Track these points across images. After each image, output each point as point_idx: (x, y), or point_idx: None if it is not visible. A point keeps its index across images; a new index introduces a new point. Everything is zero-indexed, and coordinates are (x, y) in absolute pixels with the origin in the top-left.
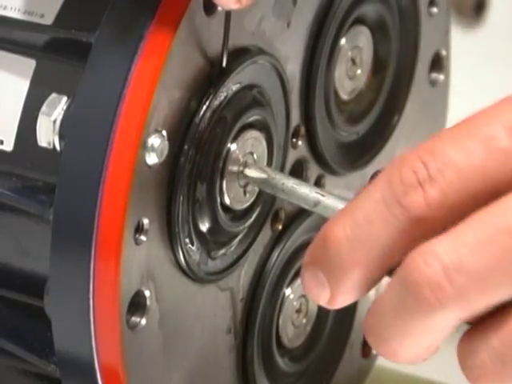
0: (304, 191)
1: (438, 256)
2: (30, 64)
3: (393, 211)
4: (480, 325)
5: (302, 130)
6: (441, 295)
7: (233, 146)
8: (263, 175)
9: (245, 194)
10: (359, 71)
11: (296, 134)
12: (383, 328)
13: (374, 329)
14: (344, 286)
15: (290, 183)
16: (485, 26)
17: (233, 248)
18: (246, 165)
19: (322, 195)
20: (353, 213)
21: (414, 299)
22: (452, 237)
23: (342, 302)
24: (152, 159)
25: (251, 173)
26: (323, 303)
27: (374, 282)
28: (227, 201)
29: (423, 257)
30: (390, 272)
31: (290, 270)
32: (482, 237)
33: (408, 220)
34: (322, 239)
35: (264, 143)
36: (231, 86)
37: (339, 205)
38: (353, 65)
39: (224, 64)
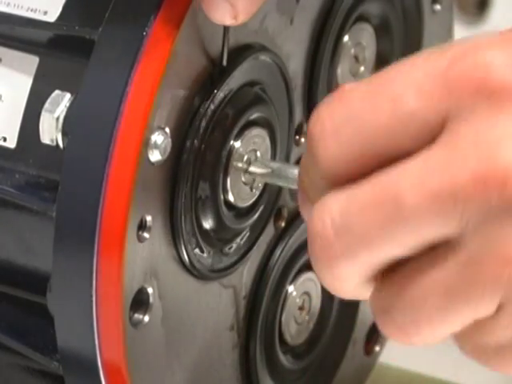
0: None
1: (329, 211)
2: (33, 61)
3: (309, 162)
4: (390, 277)
5: (305, 127)
6: (329, 250)
7: (236, 144)
8: (269, 168)
9: (250, 190)
10: (362, 68)
11: (299, 132)
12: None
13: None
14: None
15: (297, 171)
16: (488, 23)
17: (236, 245)
18: (249, 162)
19: None
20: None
21: (312, 248)
22: (346, 194)
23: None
24: (155, 156)
25: (256, 167)
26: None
27: None
28: (231, 198)
29: (319, 209)
30: None
31: (292, 268)
32: (371, 201)
33: (320, 172)
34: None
35: (267, 140)
36: (233, 84)
37: None
38: (356, 62)
39: (224, 62)
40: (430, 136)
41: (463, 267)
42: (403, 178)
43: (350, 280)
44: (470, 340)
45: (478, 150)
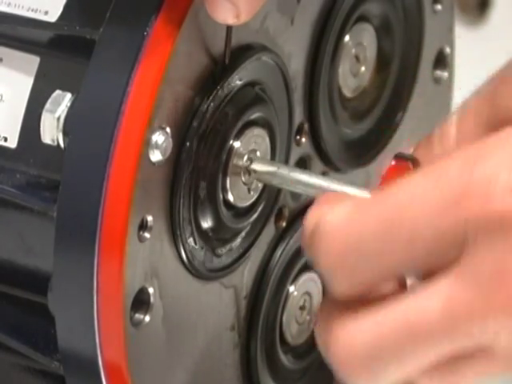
0: (312, 180)
1: (353, 342)
2: (33, 61)
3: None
4: None
5: (306, 127)
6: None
7: (236, 144)
8: (269, 168)
9: (249, 191)
10: (363, 68)
11: (300, 131)
12: None
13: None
14: None
15: (297, 173)
16: (488, 23)
17: (236, 245)
18: (249, 162)
19: (331, 183)
20: None
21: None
22: (368, 322)
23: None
24: (156, 156)
25: (257, 167)
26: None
27: None
28: (231, 198)
29: (341, 339)
30: None
31: (293, 267)
32: (398, 328)
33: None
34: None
35: (267, 140)
36: (234, 83)
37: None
38: (357, 62)
39: (227, 61)
40: (446, 266)
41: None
42: (430, 310)
43: None
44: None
45: (496, 285)
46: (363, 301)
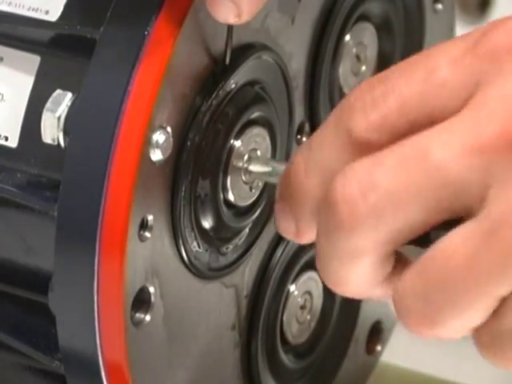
0: None
1: (355, 174)
2: (34, 60)
3: (339, 133)
4: (406, 265)
5: (307, 126)
6: (355, 211)
7: (237, 143)
8: (270, 167)
9: (250, 189)
10: (364, 68)
11: (300, 131)
12: (321, 254)
13: (317, 257)
14: (304, 212)
15: None
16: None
17: (237, 244)
18: (250, 161)
19: None
20: (310, 140)
21: (332, 216)
22: (374, 158)
23: (307, 232)
24: (156, 155)
25: (257, 166)
26: (292, 237)
27: None
28: (231, 197)
29: (342, 175)
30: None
31: (294, 267)
32: (400, 159)
33: (351, 141)
34: (285, 171)
35: (268, 139)
36: (235, 83)
37: None
38: (357, 61)
39: (228, 61)
40: (461, 104)
41: (488, 235)
42: (432, 137)
43: (369, 255)
44: (489, 329)
45: (505, 107)
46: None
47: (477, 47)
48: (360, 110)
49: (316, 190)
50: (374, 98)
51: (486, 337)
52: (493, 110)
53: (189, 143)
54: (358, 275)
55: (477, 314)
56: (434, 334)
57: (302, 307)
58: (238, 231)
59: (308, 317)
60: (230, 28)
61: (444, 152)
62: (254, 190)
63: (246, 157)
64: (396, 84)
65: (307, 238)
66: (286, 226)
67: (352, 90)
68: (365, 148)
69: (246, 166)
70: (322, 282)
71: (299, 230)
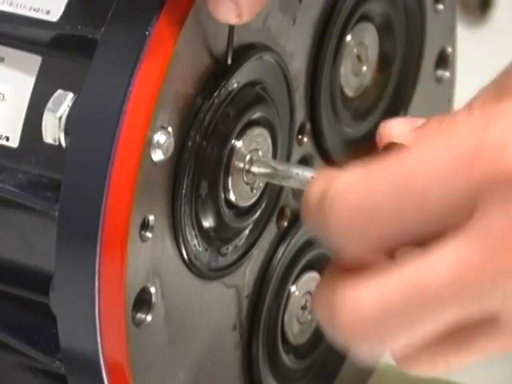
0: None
1: (364, 303)
2: (35, 60)
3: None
4: None
5: (308, 126)
6: (365, 340)
7: (238, 143)
8: (271, 168)
9: (252, 190)
10: (365, 68)
11: (301, 131)
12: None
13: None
14: None
15: (300, 171)
16: (490, 23)
17: (238, 244)
18: (251, 161)
19: None
20: None
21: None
22: (376, 285)
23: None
24: (158, 156)
25: (258, 166)
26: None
27: None
28: (233, 198)
29: (349, 302)
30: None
31: (295, 267)
32: (406, 292)
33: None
34: None
35: (269, 140)
36: (236, 83)
37: None
38: (358, 61)
39: (229, 61)
40: (455, 227)
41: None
42: (438, 273)
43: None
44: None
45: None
46: (370, 266)
47: (471, 174)
48: (337, 227)
49: None
50: (357, 216)
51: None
52: (494, 246)
53: (190, 143)
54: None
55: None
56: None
57: (303, 307)
58: (239, 231)
59: (309, 317)
60: (231, 28)
61: (453, 292)
62: (255, 191)
63: (247, 157)
64: (383, 206)
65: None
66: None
67: (332, 190)
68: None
69: (247, 166)
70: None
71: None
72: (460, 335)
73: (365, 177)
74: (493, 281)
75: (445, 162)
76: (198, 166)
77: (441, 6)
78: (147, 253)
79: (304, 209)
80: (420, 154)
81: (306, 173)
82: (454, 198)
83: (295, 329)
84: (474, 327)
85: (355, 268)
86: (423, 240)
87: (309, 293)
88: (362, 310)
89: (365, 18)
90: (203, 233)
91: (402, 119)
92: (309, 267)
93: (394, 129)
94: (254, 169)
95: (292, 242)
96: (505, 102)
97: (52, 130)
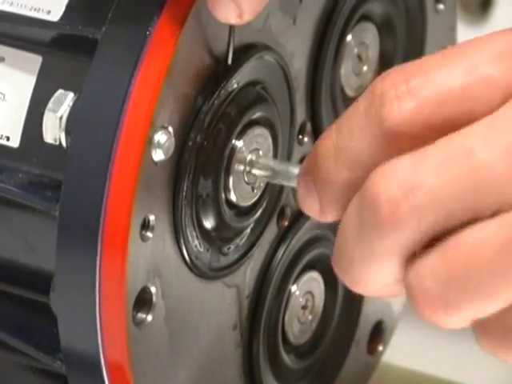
0: None
1: (396, 172)
2: (36, 60)
3: (370, 121)
4: (425, 249)
5: (308, 126)
6: (396, 211)
7: (239, 143)
8: (272, 167)
9: (252, 189)
10: (365, 68)
11: (302, 131)
12: (346, 250)
13: (338, 252)
14: (330, 194)
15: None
16: (491, 23)
17: (239, 244)
18: (252, 161)
19: None
20: (339, 123)
21: (371, 214)
22: (415, 156)
23: (330, 212)
24: (158, 156)
25: (259, 166)
26: (314, 215)
27: None
28: (233, 197)
29: (382, 172)
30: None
31: (296, 267)
32: (443, 158)
33: (383, 132)
34: (314, 150)
35: (269, 140)
36: (236, 83)
37: None
38: (359, 61)
39: (229, 61)
40: (502, 101)
41: None
42: (475, 135)
43: (400, 256)
44: (501, 320)
45: None
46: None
47: None
48: (394, 99)
49: (346, 176)
50: (410, 88)
51: (495, 327)
52: None
53: (190, 143)
54: (382, 275)
55: (495, 304)
56: (444, 320)
57: (304, 307)
58: (240, 231)
59: (309, 317)
60: (231, 28)
61: (489, 151)
62: (255, 191)
63: (248, 157)
64: (436, 75)
65: (329, 218)
66: (310, 203)
67: (382, 76)
68: (397, 139)
69: (248, 166)
70: (324, 282)
71: (323, 210)
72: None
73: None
74: None
75: (497, 41)
76: (199, 166)
77: (441, 6)
78: (148, 253)
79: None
80: (473, 40)
81: None
82: (505, 69)
83: (296, 329)
84: None
85: None
86: None
87: (309, 293)
88: (391, 177)
89: (365, 17)
90: (204, 232)
91: None
92: (309, 267)
93: None
94: (255, 169)
95: (293, 242)
96: None
97: (52, 130)
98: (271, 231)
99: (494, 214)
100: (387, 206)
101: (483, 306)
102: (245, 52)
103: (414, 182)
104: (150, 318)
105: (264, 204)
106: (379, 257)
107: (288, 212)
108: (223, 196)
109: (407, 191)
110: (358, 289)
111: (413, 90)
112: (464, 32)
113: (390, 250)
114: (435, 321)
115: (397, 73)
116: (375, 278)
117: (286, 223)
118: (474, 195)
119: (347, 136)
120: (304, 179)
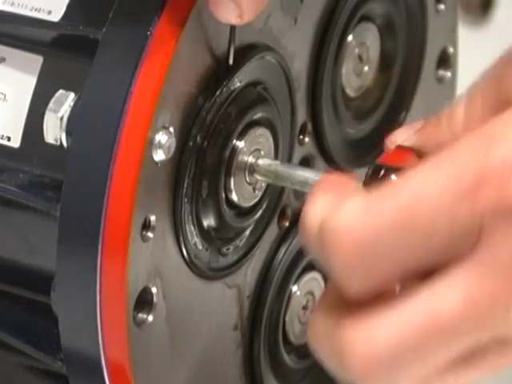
0: (316, 179)
1: (375, 343)
2: (37, 60)
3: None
4: None
5: (309, 126)
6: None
7: (240, 144)
8: (273, 167)
9: (254, 190)
10: (366, 68)
11: (303, 131)
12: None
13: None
14: None
15: (302, 172)
16: (491, 23)
17: (239, 244)
18: (253, 162)
19: None
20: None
21: (342, 366)
22: (387, 321)
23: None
24: (159, 156)
25: (261, 166)
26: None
27: None
28: (235, 198)
29: (360, 343)
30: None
31: (296, 267)
32: (419, 326)
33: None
34: None
35: (271, 140)
36: (237, 83)
37: None
38: (360, 62)
39: (230, 62)
40: (462, 255)
41: None
42: (451, 305)
43: None
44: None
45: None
46: (376, 299)
47: (474, 205)
48: (344, 270)
49: None
50: (362, 254)
51: None
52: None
53: (191, 143)
54: None
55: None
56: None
57: (305, 307)
58: (240, 232)
59: (310, 317)
60: (232, 28)
61: (469, 325)
62: (257, 191)
63: (250, 158)
64: (389, 242)
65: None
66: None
67: (333, 226)
68: (361, 299)
69: (249, 166)
70: (325, 282)
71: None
72: (470, 356)
73: (367, 210)
74: (506, 306)
75: (448, 191)
76: (200, 166)
77: (442, 6)
78: (149, 253)
79: (303, 233)
80: (422, 183)
81: (308, 174)
82: (460, 227)
83: (296, 329)
84: (483, 348)
85: (358, 301)
86: (430, 270)
87: (310, 293)
88: (376, 351)
89: (366, 18)
90: (204, 232)
91: (403, 129)
92: (310, 267)
93: (398, 139)
94: (257, 169)
95: (293, 242)
96: (506, 112)
97: (53, 130)
98: (272, 232)
99: None
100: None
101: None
102: (246, 52)
103: (396, 354)
104: (150, 318)
105: (265, 204)
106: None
107: (289, 212)
108: (224, 196)
109: (389, 361)
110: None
111: (364, 258)
112: (464, 32)
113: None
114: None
115: (343, 228)
116: None
117: (287, 224)
118: (449, 352)
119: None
120: None
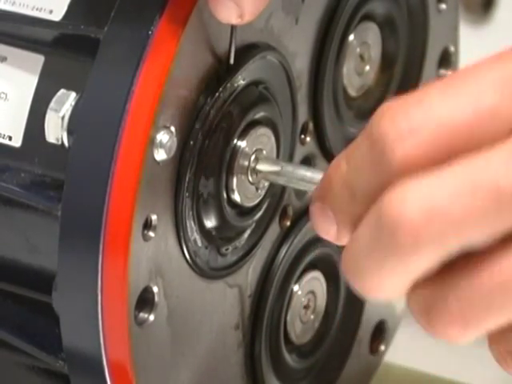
0: (318, 178)
1: (414, 196)
2: (38, 60)
3: (376, 161)
4: (447, 271)
5: (311, 126)
6: (416, 236)
7: (242, 143)
8: (276, 167)
9: (257, 190)
10: (368, 67)
11: (304, 131)
12: (358, 262)
13: (349, 262)
14: (347, 222)
15: (304, 171)
16: (493, 22)
17: (240, 244)
18: (256, 161)
19: None
20: (347, 157)
21: (389, 236)
22: (433, 179)
23: (348, 235)
24: (160, 155)
25: (263, 166)
26: (331, 238)
27: None
28: (237, 198)
29: (402, 196)
30: None
31: (298, 267)
32: (462, 184)
33: (388, 171)
34: (327, 177)
35: (273, 139)
36: (238, 83)
37: None
38: (361, 61)
39: (231, 61)
40: (510, 132)
41: None
42: (495, 161)
43: (418, 273)
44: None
45: None
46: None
47: None
48: (396, 140)
49: (361, 210)
50: (412, 126)
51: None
52: None
53: (192, 143)
54: (395, 287)
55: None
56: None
57: (306, 307)
58: (241, 231)
59: (312, 317)
60: (233, 28)
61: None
62: (259, 191)
63: (252, 157)
64: (438, 111)
65: (345, 241)
66: (327, 228)
67: (381, 110)
68: (405, 172)
69: (252, 166)
70: (327, 282)
71: (340, 234)
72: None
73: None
74: None
75: (500, 69)
76: (201, 165)
77: (443, 6)
78: (150, 252)
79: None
80: (473, 67)
81: (311, 174)
82: (510, 101)
83: (298, 328)
84: None
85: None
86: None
87: (312, 292)
88: (411, 202)
89: (367, 17)
90: (206, 232)
91: None
92: (311, 267)
93: None
94: (260, 168)
95: (295, 242)
96: None
97: (55, 130)
98: (273, 231)
99: None
100: (407, 230)
101: (502, 321)
102: (247, 52)
103: (435, 207)
104: (152, 317)
105: (266, 204)
106: (393, 274)
107: (290, 212)
108: (225, 195)
109: (428, 216)
110: (368, 295)
111: (414, 128)
112: (466, 32)
113: (406, 270)
114: (448, 337)
115: (396, 108)
116: (386, 288)
117: (288, 223)
118: (497, 220)
119: (357, 172)
120: (319, 205)
